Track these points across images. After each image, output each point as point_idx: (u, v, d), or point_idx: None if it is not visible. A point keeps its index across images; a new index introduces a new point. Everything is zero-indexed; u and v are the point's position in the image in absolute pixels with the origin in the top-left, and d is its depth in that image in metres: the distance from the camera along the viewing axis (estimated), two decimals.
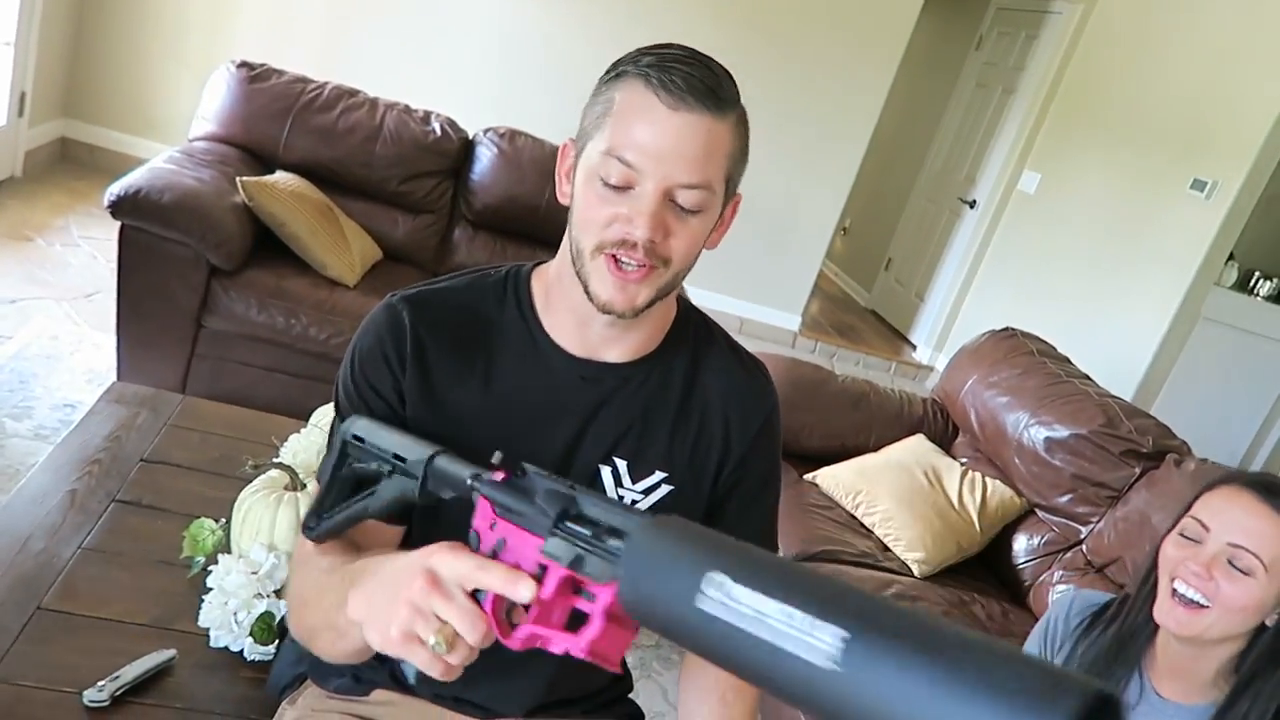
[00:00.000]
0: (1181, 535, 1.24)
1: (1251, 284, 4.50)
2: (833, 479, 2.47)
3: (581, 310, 0.94)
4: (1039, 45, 5.36)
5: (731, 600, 0.49)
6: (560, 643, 0.63)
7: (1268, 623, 1.20)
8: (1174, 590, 1.21)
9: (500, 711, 1.05)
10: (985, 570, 2.39)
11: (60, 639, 1.20)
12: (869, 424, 2.65)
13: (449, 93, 4.46)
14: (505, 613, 0.69)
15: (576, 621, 0.64)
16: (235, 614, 1.25)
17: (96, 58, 4.54)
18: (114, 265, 2.45)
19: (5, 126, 3.98)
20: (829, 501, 2.43)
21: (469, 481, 0.73)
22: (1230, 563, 1.18)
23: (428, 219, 3.09)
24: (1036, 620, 1.91)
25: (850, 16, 4.84)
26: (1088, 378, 2.56)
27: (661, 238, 0.87)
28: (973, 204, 5.63)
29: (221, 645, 1.26)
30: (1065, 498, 2.31)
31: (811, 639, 0.45)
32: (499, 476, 0.72)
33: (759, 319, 5.33)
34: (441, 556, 0.68)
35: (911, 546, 2.27)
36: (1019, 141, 5.34)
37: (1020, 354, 2.63)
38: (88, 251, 3.64)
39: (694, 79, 0.84)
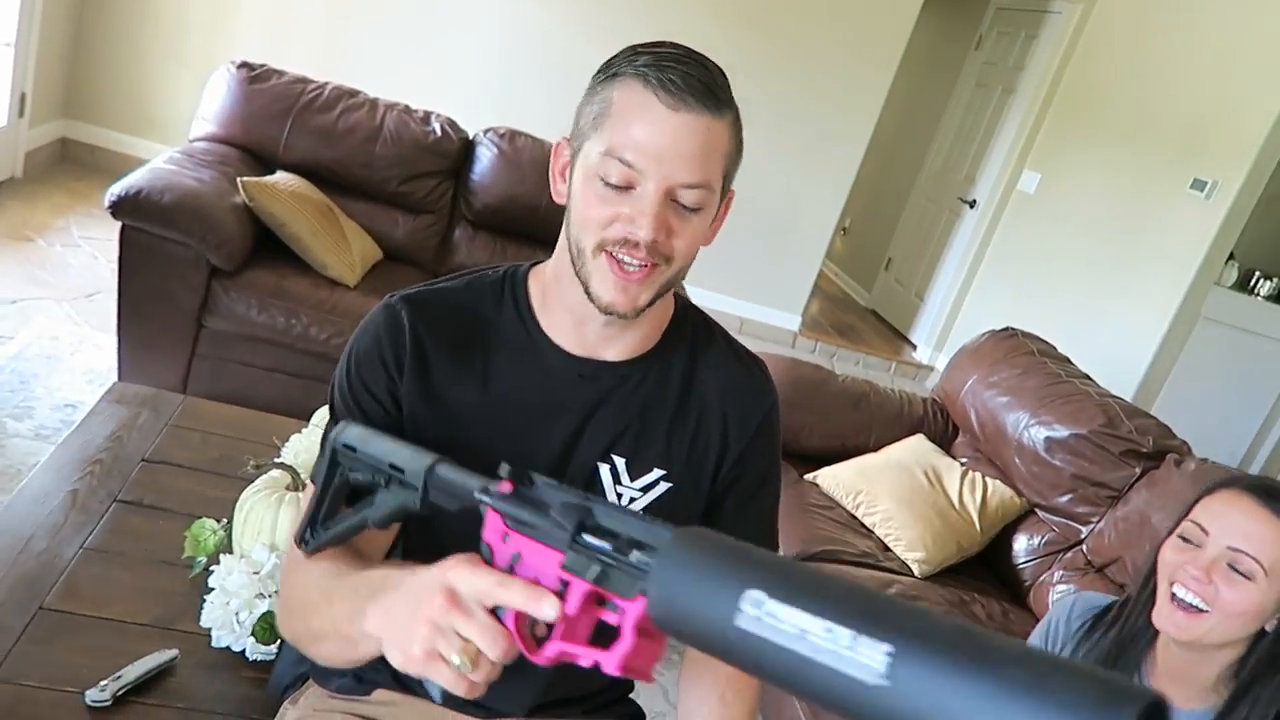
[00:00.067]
0: (1181, 539, 1.23)
1: (1252, 284, 4.50)
2: (833, 479, 2.47)
3: (579, 309, 0.94)
4: (1039, 45, 5.37)
5: (771, 618, 0.48)
6: (590, 658, 0.62)
7: (1267, 628, 1.19)
8: (1173, 595, 1.20)
9: (501, 711, 1.05)
10: (985, 570, 2.39)
11: (62, 639, 1.20)
12: (869, 424, 2.65)
13: (449, 93, 4.46)
14: (529, 627, 0.68)
15: (601, 633, 0.64)
16: (237, 614, 1.25)
17: (97, 58, 4.54)
18: (114, 266, 2.45)
19: (5, 127, 3.99)
20: (829, 501, 2.43)
21: (477, 495, 0.71)
22: (1230, 567, 1.17)
23: (428, 219, 3.09)
24: (1037, 620, 1.92)
25: (850, 16, 4.84)
26: (1088, 378, 2.56)
27: (664, 237, 0.87)
28: (973, 204, 5.63)
29: (223, 645, 1.26)
30: (1065, 498, 2.31)
31: (856, 654, 0.45)
32: (506, 488, 0.70)
33: (759, 319, 5.33)
34: (460, 573, 0.68)
35: (912, 546, 2.27)
36: (1019, 141, 5.35)
37: (1020, 354, 2.64)
38: (88, 252, 3.65)
39: (692, 78, 0.84)
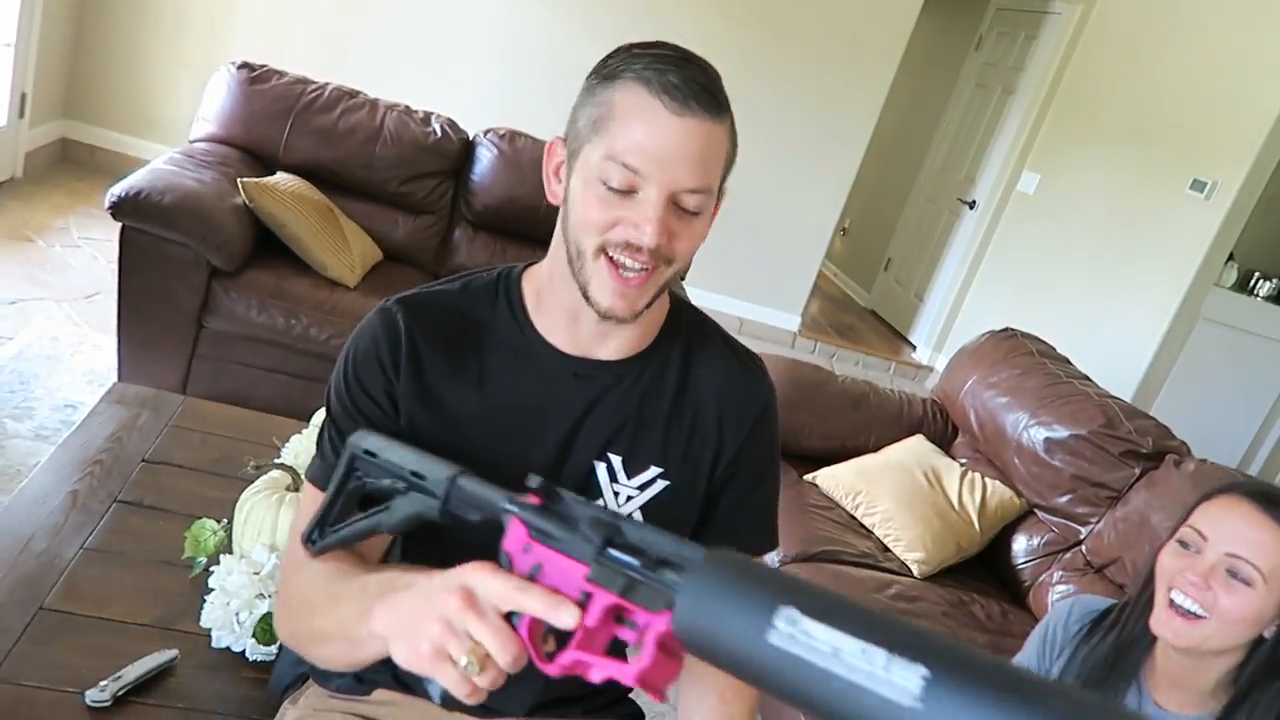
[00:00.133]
0: (1179, 545, 1.22)
1: (1251, 284, 4.51)
2: (832, 479, 2.47)
3: (574, 308, 0.94)
4: (1038, 45, 5.37)
5: (806, 636, 0.48)
6: (604, 670, 0.62)
7: (1266, 635, 1.19)
8: (1171, 601, 1.19)
9: (502, 710, 1.05)
10: (985, 570, 2.39)
11: (62, 639, 1.20)
12: (869, 424, 2.65)
13: (449, 93, 4.46)
14: (541, 638, 0.68)
15: (613, 650, 0.64)
16: (237, 614, 1.25)
17: (97, 59, 4.54)
18: (114, 266, 2.45)
19: (5, 127, 3.99)
20: (829, 502, 2.43)
21: (505, 505, 0.72)
22: (1229, 573, 1.16)
23: (428, 220, 3.10)
24: (1036, 621, 1.92)
25: (850, 16, 4.84)
26: (1087, 378, 2.56)
27: (666, 241, 0.87)
28: (972, 204, 5.63)
29: (223, 646, 1.26)
30: (1065, 498, 2.31)
31: (891, 676, 0.45)
32: (534, 500, 0.70)
33: (758, 319, 5.34)
34: (479, 575, 0.68)
35: (911, 547, 2.27)
36: (1018, 142, 5.35)
37: (1020, 354, 2.64)
38: (88, 252, 3.65)
39: (693, 82, 0.84)
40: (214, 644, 1.26)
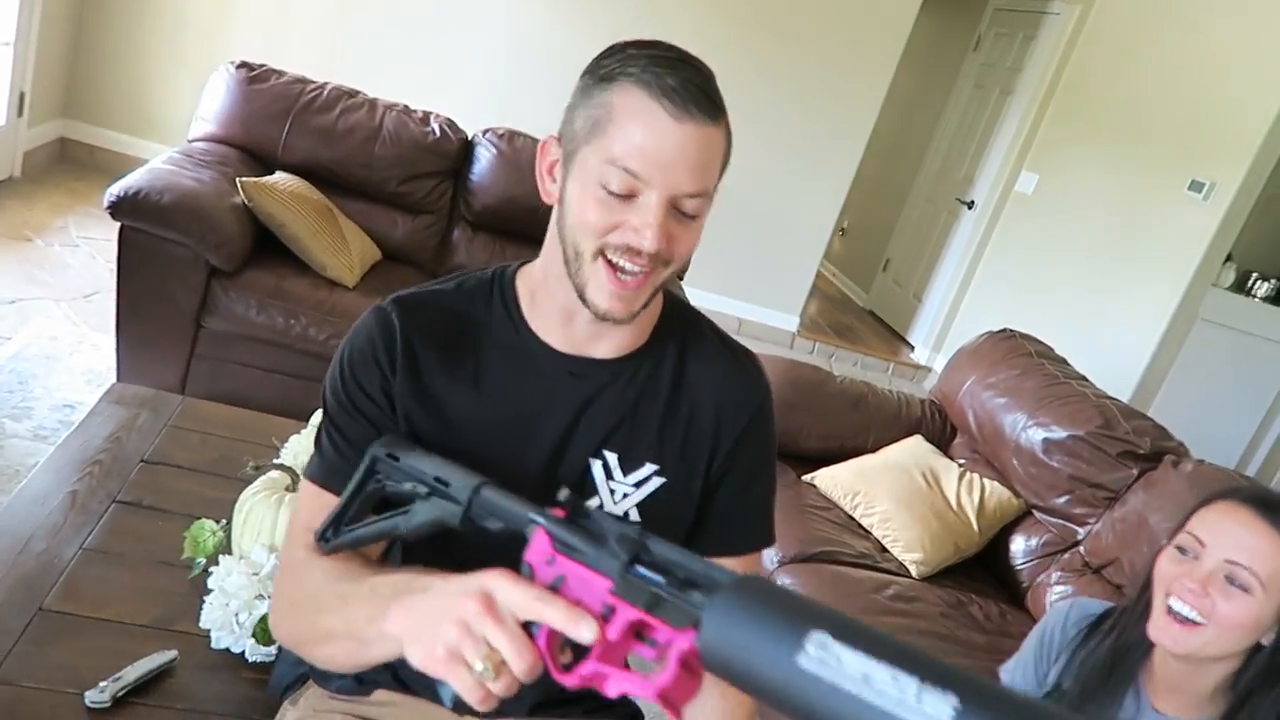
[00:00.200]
0: (1177, 550, 1.22)
1: (1249, 285, 4.51)
2: (831, 480, 2.47)
3: (569, 306, 0.95)
4: (1036, 46, 5.37)
5: (836, 661, 0.48)
6: (623, 684, 0.62)
7: (1264, 641, 1.18)
8: (1169, 607, 1.19)
9: (504, 710, 1.05)
10: (983, 571, 2.39)
11: (62, 640, 1.20)
12: (867, 425, 2.65)
13: (448, 93, 4.46)
14: (558, 649, 0.68)
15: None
16: (236, 615, 1.25)
17: (96, 58, 4.54)
18: (113, 266, 2.45)
19: (4, 127, 3.98)
20: (827, 502, 2.43)
21: (531, 516, 0.72)
22: (1227, 580, 1.15)
23: (427, 219, 3.10)
24: (1034, 621, 1.92)
25: (849, 16, 4.84)
26: (1085, 379, 2.56)
27: (666, 245, 0.87)
28: (971, 205, 5.64)
29: (223, 646, 1.26)
30: (1063, 499, 2.31)
31: (922, 704, 0.45)
32: (560, 513, 0.71)
33: (757, 319, 5.34)
34: (500, 582, 0.68)
35: (909, 547, 2.27)
36: (1017, 142, 5.35)
37: (1018, 355, 2.64)
38: (87, 252, 3.65)
39: (692, 85, 0.84)
40: (213, 645, 1.26)
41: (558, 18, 4.68)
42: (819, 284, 6.19)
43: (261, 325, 2.53)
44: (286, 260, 2.68)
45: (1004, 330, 2.80)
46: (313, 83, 3.00)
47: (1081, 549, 2.26)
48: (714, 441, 1.04)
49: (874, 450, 2.58)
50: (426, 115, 3.09)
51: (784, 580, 2.10)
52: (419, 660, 0.70)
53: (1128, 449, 2.23)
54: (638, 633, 0.64)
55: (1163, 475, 2.17)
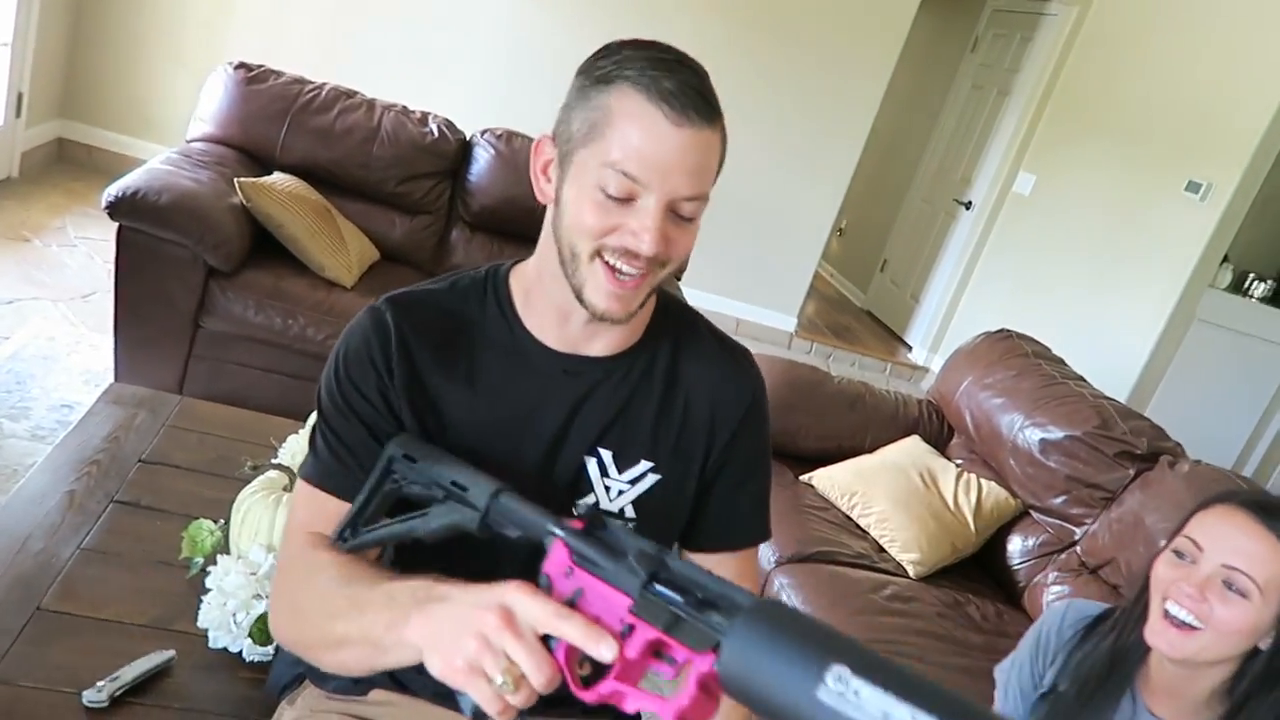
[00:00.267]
0: (1175, 554, 1.21)
1: (1246, 286, 4.51)
2: (828, 480, 2.48)
3: (564, 305, 0.95)
4: (1034, 47, 5.38)
5: (855, 696, 0.48)
6: (641, 703, 0.62)
7: (1261, 646, 1.17)
8: (1166, 611, 1.18)
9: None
10: (980, 571, 2.39)
11: (59, 640, 1.20)
12: (865, 425, 2.66)
13: (446, 93, 4.46)
14: (577, 664, 0.68)
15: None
16: (234, 615, 1.25)
17: (94, 58, 4.53)
18: (111, 266, 2.45)
19: (2, 127, 3.98)
20: (825, 502, 2.44)
21: (549, 527, 0.72)
22: (1225, 584, 1.15)
23: (425, 220, 3.10)
24: (1031, 621, 1.92)
25: (847, 17, 4.84)
26: (1082, 379, 2.56)
27: (664, 248, 0.88)
28: (968, 205, 5.64)
29: (220, 646, 1.26)
30: (1060, 499, 2.32)
31: None
32: (578, 525, 0.71)
33: (755, 320, 5.34)
34: (519, 596, 0.68)
35: (907, 547, 2.28)
36: (1014, 143, 5.36)
37: (1015, 355, 2.64)
38: (85, 252, 3.64)
39: (689, 88, 0.84)
40: (211, 644, 1.26)
41: (557, 18, 4.67)
42: (817, 284, 6.19)
43: (259, 325, 2.53)
44: (285, 260, 2.68)
45: (1001, 330, 2.80)
46: (311, 83, 3.00)
47: (1078, 549, 2.27)
48: (709, 438, 1.04)
49: (871, 450, 2.59)
50: (425, 115, 3.09)
51: (781, 580, 2.10)
52: (438, 670, 0.70)
53: (1125, 449, 2.23)
54: (656, 651, 0.64)
55: (1159, 475, 2.17)
